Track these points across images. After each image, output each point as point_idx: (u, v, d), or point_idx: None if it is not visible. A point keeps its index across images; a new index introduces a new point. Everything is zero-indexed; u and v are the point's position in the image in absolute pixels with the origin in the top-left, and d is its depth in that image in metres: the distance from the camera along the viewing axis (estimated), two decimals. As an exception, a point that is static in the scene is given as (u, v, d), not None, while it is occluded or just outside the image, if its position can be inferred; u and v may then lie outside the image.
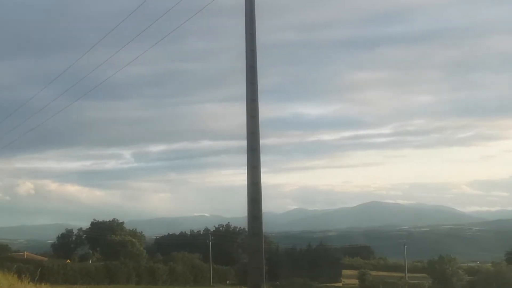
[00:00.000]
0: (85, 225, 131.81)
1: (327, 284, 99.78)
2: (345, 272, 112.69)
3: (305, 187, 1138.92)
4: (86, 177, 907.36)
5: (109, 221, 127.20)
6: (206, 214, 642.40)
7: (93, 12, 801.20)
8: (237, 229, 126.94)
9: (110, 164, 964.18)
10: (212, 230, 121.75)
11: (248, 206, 13.44)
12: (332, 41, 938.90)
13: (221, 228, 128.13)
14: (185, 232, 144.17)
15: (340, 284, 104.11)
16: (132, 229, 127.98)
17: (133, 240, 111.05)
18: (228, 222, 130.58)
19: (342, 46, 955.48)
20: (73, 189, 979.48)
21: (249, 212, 13.74)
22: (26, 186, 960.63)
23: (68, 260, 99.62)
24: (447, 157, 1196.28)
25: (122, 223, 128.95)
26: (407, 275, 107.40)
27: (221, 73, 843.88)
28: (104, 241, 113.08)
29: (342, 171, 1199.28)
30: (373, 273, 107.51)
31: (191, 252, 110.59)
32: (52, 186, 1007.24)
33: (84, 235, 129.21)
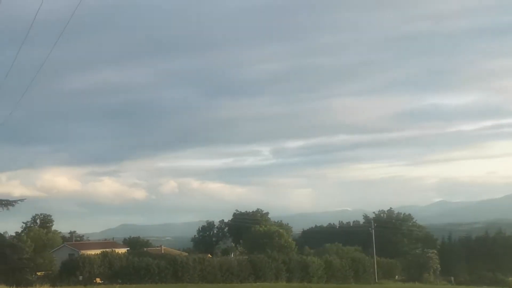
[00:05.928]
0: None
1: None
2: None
3: (447, 178, 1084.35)
4: (226, 174, 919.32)
5: (252, 212, 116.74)
6: (349, 209, 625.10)
7: (222, 10, 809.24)
8: (402, 215, 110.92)
9: (249, 161, 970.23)
10: (372, 218, 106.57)
11: None
12: (467, 30, 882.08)
13: (382, 215, 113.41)
14: (333, 224, 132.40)
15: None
16: (278, 221, 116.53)
17: (281, 230, 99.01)
18: (390, 208, 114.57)
19: (477, 34, 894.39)
20: (214, 186, 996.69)
21: None
22: (169, 185, 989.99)
23: (209, 255, 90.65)
24: None
25: (267, 213, 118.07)
26: None
27: (352, 66, 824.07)
28: (248, 233, 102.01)
29: (484, 161, 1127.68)
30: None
31: (344, 244, 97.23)
32: (194, 184, 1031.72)
33: (226, 227, 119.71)
